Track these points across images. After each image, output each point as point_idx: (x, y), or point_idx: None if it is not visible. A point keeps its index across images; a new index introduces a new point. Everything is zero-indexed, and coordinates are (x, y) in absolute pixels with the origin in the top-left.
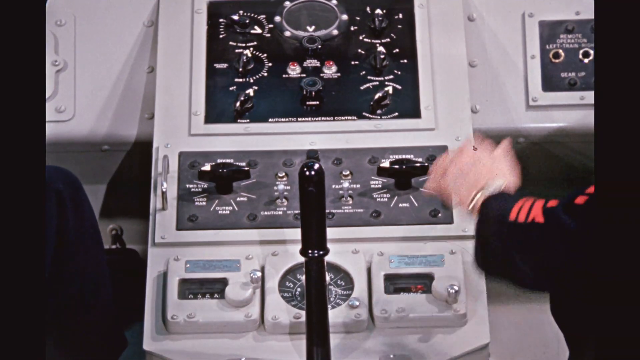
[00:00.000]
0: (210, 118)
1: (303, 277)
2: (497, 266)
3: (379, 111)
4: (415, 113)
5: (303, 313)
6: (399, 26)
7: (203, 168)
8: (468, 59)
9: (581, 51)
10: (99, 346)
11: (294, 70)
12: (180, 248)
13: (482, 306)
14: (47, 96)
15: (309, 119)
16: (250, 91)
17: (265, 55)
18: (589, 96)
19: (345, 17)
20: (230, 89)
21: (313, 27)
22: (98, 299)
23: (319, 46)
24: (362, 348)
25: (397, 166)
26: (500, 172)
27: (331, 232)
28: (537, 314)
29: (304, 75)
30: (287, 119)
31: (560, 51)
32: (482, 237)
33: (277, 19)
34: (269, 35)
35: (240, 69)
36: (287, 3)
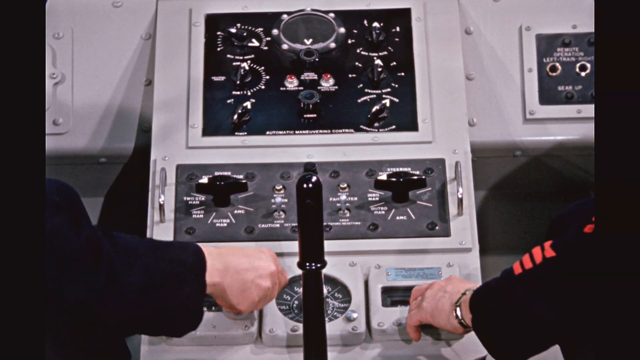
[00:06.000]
0: (207, 131)
1: (300, 290)
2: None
3: (376, 124)
4: (412, 126)
5: (300, 326)
6: (397, 39)
7: (201, 181)
8: (465, 72)
9: (578, 64)
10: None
11: (291, 83)
12: None
13: None
14: None
15: (307, 131)
16: (248, 104)
17: (262, 68)
18: (586, 109)
19: (342, 30)
20: (228, 101)
21: (310, 40)
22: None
23: (317, 59)
24: None
25: (394, 179)
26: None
27: (328, 245)
28: None
29: (302, 88)
30: (284, 132)
31: (557, 64)
32: (494, 325)
33: (275, 32)
34: (266, 48)
35: (238, 82)
36: (285, 16)
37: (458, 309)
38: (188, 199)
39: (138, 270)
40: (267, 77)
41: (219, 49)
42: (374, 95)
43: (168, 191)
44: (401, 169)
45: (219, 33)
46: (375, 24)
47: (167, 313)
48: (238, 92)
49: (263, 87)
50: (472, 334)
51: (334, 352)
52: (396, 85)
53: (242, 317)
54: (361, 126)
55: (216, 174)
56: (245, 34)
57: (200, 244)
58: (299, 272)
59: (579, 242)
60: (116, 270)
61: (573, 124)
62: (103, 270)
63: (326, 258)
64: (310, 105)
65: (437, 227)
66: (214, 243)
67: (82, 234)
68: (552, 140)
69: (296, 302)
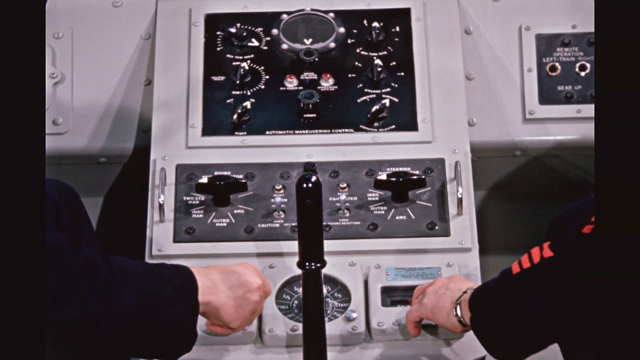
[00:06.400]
0: (207, 130)
1: (300, 290)
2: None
3: (376, 124)
4: (412, 126)
5: (300, 326)
6: (396, 39)
7: (200, 180)
8: (465, 72)
9: (578, 64)
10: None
11: (291, 83)
12: (177, 260)
13: None
14: None
15: (306, 131)
16: (248, 104)
17: (262, 68)
18: (586, 109)
19: (342, 30)
20: (228, 101)
21: (310, 40)
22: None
23: (316, 59)
24: None
25: (394, 179)
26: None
27: (328, 245)
28: None
29: (301, 87)
30: (284, 132)
31: (557, 64)
32: (493, 324)
33: (275, 31)
34: (266, 48)
35: (238, 82)
36: (285, 16)
37: (458, 307)
38: (188, 198)
39: (132, 292)
40: (267, 77)
41: (218, 49)
42: (374, 95)
43: (168, 191)
44: (401, 169)
45: (218, 33)
46: (375, 24)
47: (160, 334)
48: (238, 92)
49: (263, 87)
50: (472, 335)
51: (334, 352)
52: (396, 85)
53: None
54: (361, 126)
55: (216, 173)
56: (245, 34)
57: (187, 265)
58: (299, 272)
59: (577, 242)
60: (110, 292)
61: (573, 124)
62: (98, 292)
63: (326, 258)
64: (310, 105)
65: (436, 227)
66: (214, 243)
67: (80, 254)
68: (552, 140)
69: (296, 302)
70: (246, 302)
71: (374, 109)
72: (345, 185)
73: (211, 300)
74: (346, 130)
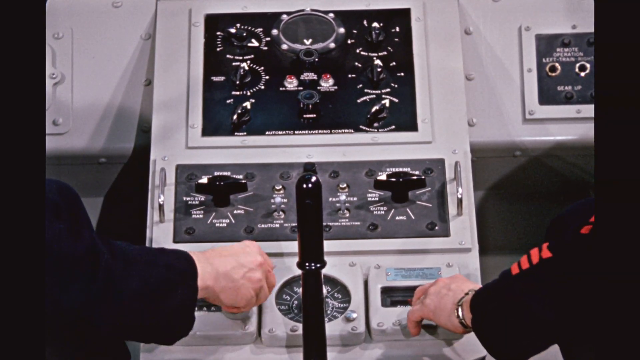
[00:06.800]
0: (207, 131)
1: (300, 290)
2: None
3: (375, 124)
4: (412, 126)
5: (300, 326)
6: (396, 39)
7: (200, 181)
8: (465, 72)
9: (577, 65)
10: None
11: (291, 83)
12: None
13: None
14: None
15: (306, 131)
16: (248, 104)
17: (262, 68)
18: (585, 110)
19: (342, 30)
20: (228, 102)
21: (310, 40)
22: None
23: (316, 59)
24: None
25: (394, 179)
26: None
27: (328, 245)
28: None
29: (301, 88)
30: (284, 132)
31: (557, 65)
32: (493, 325)
33: (275, 32)
34: (266, 48)
35: (238, 82)
36: (284, 16)
37: (460, 308)
38: (188, 199)
39: (135, 277)
40: (267, 77)
41: (218, 49)
42: (374, 96)
43: (168, 191)
44: (401, 169)
45: (218, 33)
46: (375, 24)
47: (159, 320)
48: (238, 92)
49: (263, 87)
50: (472, 335)
51: (334, 352)
52: (396, 86)
53: (242, 316)
54: (361, 126)
55: (216, 174)
56: (244, 34)
57: (186, 250)
58: (299, 272)
59: (575, 243)
60: (113, 277)
61: (573, 124)
62: (100, 277)
63: (326, 258)
64: (310, 106)
65: (436, 227)
66: (214, 243)
67: (81, 241)
68: (552, 140)
69: (296, 302)
70: (248, 282)
71: (373, 109)
72: (345, 185)
73: (210, 285)
74: (346, 130)
